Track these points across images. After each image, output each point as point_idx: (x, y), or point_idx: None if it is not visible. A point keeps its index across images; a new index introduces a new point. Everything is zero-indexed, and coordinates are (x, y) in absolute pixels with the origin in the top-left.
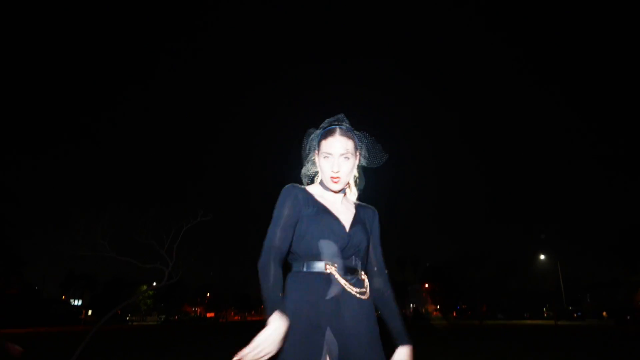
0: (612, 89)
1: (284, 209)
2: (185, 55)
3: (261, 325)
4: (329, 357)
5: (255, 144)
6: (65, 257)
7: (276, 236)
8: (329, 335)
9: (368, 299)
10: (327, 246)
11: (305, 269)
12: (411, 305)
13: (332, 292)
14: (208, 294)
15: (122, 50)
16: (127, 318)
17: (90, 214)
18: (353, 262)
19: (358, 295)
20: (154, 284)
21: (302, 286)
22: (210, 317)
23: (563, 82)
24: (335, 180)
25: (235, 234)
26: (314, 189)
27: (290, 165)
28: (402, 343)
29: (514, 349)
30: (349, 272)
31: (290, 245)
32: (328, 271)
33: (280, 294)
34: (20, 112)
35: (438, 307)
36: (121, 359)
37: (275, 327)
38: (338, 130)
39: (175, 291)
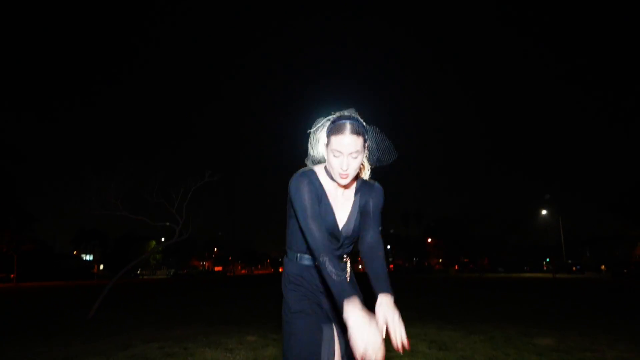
0: (620, 41)
1: (305, 202)
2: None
3: (267, 277)
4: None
5: (259, 104)
6: (78, 215)
7: (315, 233)
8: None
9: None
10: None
11: (298, 260)
12: (414, 258)
13: (320, 281)
14: (215, 249)
15: (128, 6)
16: (138, 272)
17: (102, 175)
18: (340, 252)
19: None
20: (162, 239)
21: (297, 279)
22: (218, 271)
23: (567, 32)
24: (343, 177)
25: (241, 192)
26: (320, 174)
27: (292, 129)
28: (384, 292)
29: (496, 296)
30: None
31: (288, 234)
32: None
33: (349, 287)
34: (32, 71)
35: (441, 260)
36: (138, 310)
37: (361, 317)
38: (349, 126)
39: (183, 246)
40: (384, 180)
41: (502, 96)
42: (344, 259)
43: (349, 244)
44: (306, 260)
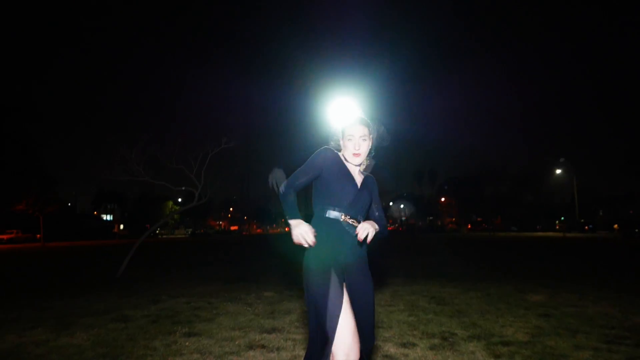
0: None
1: (313, 163)
2: None
3: (282, 235)
4: (339, 278)
5: (267, 67)
6: (97, 178)
7: (299, 178)
8: (340, 263)
9: (362, 243)
10: (343, 200)
11: (326, 215)
12: (428, 218)
13: (342, 233)
14: (231, 209)
15: None
16: (157, 232)
17: (125, 143)
18: (356, 214)
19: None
20: (179, 199)
21: (324, 227)
22: (234, 230)
23: None
24: (356, 155)
25: (255, 156)
26: (341, 156)
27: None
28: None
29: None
30: (353, 220)
31: (318, 193)
32: (342, 219)
33: (297, 212)
34: (57, 33)
35: (454, 219)
36: (163, 268)
37: (299, 223)
38: (358, 118)
39: (200, 207)
40: (398, 140)
41: (514, 50)
42: (355, 221)
43: (361, 207)
44: (335, 215)
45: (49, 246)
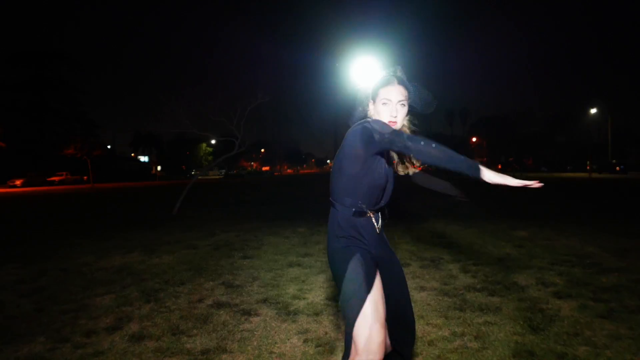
0: None
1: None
2: None
3: (312, 175)
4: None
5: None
6: (134, 120)
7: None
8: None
9: (381, 229)
10: (371, 196)
11: (353, 209)
12: None
13: (369, 227)
14: (263, 150)
15: None
16: (193, 172)
17: (173, 98)
18: (382, 203)
19: (377, 228)
20: (212, 141)
21: (350, 224)
22: (266, 171)
23: None
24: (392, 123)
25: (285, 106)
26: None
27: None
28: (476, 171)
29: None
30: (378, 212)
31: (348, 182)
32: (369, 215)
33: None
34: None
35: (485, 160)
36: (209, 208)
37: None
38: (396, 80)
39: (233, 148)
40: (431, 78)
41: None
42: (383, 212)
43: (387, 197)
44: (361, 209)
45: (98, 188)
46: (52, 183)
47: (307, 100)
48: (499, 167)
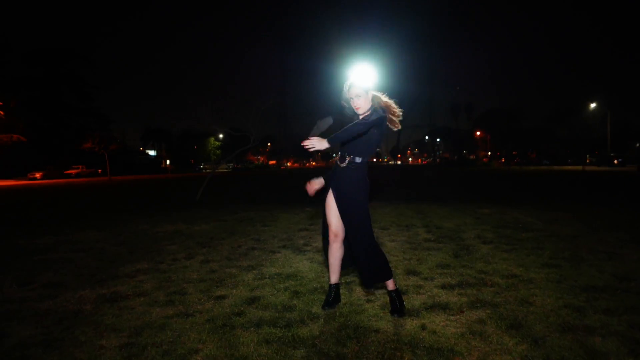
0: None
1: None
2: None
3: (317, 169)
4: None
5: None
6: (149, 119)
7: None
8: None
9: (345, 167)
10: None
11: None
12: (463, 151)
13: (337, 168)
14: (269, 144)
15: None
16: (201, 166)
17: (196, 97)
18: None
19: (340, 165)
20: (221, 136)
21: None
22: (273, 165)
23: None
24: (356, 108)
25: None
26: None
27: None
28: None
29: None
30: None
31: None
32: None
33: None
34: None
35: (489, 153)
36: (226, 195)
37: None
38: (350, 83)
39: (242, 143)
40: (439, 75)
41: None
42: (346, 157)
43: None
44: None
45: (115, 180)
46: (69, 176)
47: (313, 99)
48: (502, 160)
